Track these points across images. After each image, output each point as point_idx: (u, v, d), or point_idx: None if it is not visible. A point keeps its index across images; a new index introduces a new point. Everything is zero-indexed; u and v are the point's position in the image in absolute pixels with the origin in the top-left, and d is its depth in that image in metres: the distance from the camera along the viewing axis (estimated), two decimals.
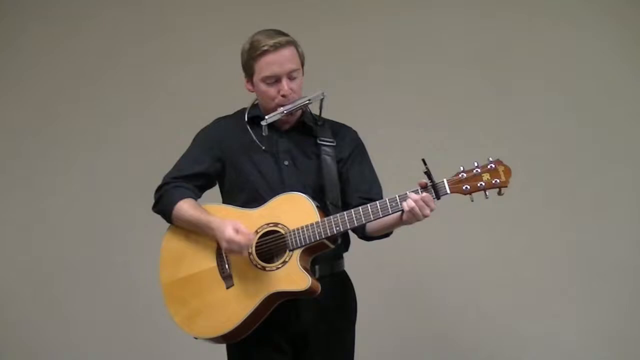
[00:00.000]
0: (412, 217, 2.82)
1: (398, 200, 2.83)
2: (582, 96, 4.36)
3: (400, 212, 2.84)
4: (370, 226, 2.98)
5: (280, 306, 2.91)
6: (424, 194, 2.79)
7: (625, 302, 4.26)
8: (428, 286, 4.37)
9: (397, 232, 3.01)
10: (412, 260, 4.32)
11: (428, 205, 2.80)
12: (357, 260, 3.15)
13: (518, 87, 4.40)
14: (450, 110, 4.42)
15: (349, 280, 3.11)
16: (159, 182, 3.10)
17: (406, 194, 2.82)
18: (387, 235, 3.04)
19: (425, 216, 2.82)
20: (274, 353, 2.98)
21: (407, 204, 2.80)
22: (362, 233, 3.03)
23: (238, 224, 2.88)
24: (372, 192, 3.05)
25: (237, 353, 3.01)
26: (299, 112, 3.05)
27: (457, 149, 4.25)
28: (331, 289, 2.99)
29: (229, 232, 2.87)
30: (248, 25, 3.14)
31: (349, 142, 3.10)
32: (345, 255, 3.11)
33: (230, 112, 3.16)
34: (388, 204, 2.84)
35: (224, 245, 2.89)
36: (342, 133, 3.12)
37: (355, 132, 3.16)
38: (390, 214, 2.85)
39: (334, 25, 4.48)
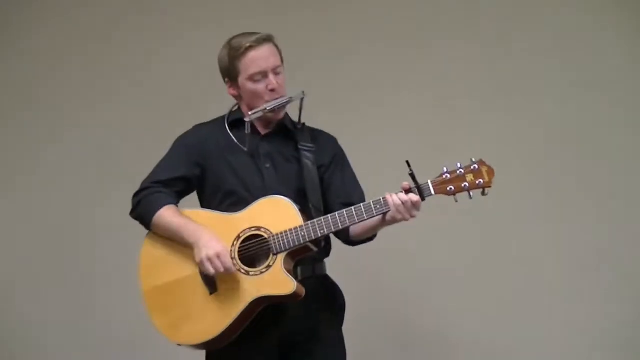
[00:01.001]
0: (397, 215, 2.82)
1: (382, 201, 2.83)
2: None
3: (383, 214, 2.85)
4: (354, 230, 2.99)
5: (265, 310, 2.89)
6: (415, 198, 2.80)
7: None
8: (424, 287, 4.35)
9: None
10: (413, 260, 4.31)
11: (415, 207, 2.82)
12: (343, 262, 3.15)
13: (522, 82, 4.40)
14: (450, 106, 4.40)
15: (333, 281, 3.10)
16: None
17: (392, 195, 2.83)
18: (371, 239, 3.04)
19: (412, 217, 2.84)
20: (257, 356, 2.94)
21: (394, 201, 2.80)
22: (346, 238, 3.03)
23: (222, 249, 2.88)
24: (354, 198, 3.04)
25: (221, 354, 2.97)
26: (283, 111, 3.04)
27: (459, 147, 4.24)
28: (315, 290, 2.97)
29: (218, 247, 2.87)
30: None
31: (330, 149, 3.11)
32: (329, 261, 3.09)
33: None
34: (372, 205, 2.84)
35: (207, 254, 2.86)
36: (322, 139, 3.12)
37: (334, 139, 3.16)
38: (374, 216, 2.85)
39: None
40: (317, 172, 3.03)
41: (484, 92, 4.37)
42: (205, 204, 3.07)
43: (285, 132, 3.07)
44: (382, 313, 4.33)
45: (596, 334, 4.21)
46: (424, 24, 4.41)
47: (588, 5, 4.33)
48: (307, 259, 2.96)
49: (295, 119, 3.09)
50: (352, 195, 3.05)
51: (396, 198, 2.81)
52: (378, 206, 2.84)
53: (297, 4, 4.45)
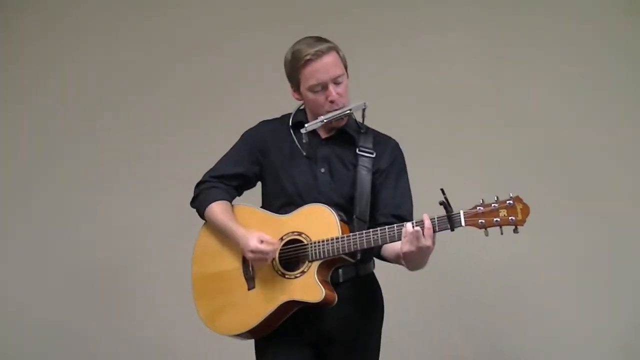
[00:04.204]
0: (404, 246, 2.80)
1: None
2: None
3: None
4: (385, 252, 3.02)
5: (305, 307, 2.97)
6: (426, 225, 2.78)
7: None
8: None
9: None
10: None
11: (425, 237, 2.77)
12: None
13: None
14: (449, 107, 4.43)
15: (376, 283, 3.15)
16: None
17: (423, 221, 2.82)
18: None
19: (419, 248, 2.79)
20: (294, 348, 3.05)
21: (404, 232, 2.79)
22: (377, 253, 3.06)
23: (262, 234, 2.97)
24: (400, 210, 3.05)
25: (260, 347, 3.12)
26: (343, 120, 3.07)
27: (458, 147, 4.32)
28: (356, 292, 3.04)
29: (253, 242, 2.96)
30: None
31: (389, 153, 3.11)
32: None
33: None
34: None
35: (249, 255, 2.98)
36: (384, 143, 3.13)
37: (397, 144, 3.16)
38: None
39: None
40: (370, 180, 3.05)
41: (484, 94, 4.35)
42: (264, 200, 3.18)
43: (346, 136, 3.11)
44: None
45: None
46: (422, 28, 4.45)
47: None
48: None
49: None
50: (400, 207, 3.06)
51: (409, 227, 2.79)
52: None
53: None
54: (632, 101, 4.27)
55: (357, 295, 3.05)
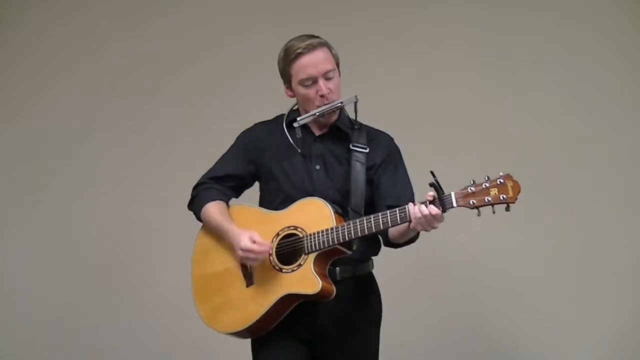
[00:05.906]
0: (418, 227, 2.82)
1: (407, 211, 2.83)
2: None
3: (408, 222, 2.85)
4: (392, 233, 3.01)
5: (302, 305, 2.99)
6: (434, 211, 2.78)
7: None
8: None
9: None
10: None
11: (436, 219, 2.80)
12: (383, 260, 3.18)
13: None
14: (449, 107, 4.45)
15: (374, 283, 3.15)
16: None
17: (415, 205, 2.82)
18: (412, 240, 3.03)
19: (433, 228, 2.83)
20: (290, 346, 3.04)
21: (414, 213, 2.80)
22: (386, 240, 3.07)
23: (254, 233, 2.99)
24: (401, 200, 3.01)
25: (256, 344, 3.12)
26: (334, 115, 3.11)
27: (458, 147, 4.34)
28: (353, 291, 3.04)
29: (244, 241, 2.98)
30: None
31: (383, 148, 3.13)
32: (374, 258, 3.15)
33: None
34: (397, 214, 2.85)
35: (239, 254, 3.00)
36: (377, 139, 3.15)
37: (391, 139, 3.18)
38: (399, 224, 2.87)
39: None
40: (365, 174, 3.07)
41: (483, 95, 4.37)
42: (262, 198, 3.20)
43: (340, 133, 3.13)
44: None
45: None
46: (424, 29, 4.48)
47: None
48: (349, 259, 3.01)
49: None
50: (400, 197, 3.04)
51: (417, 210, 2.80)
52: (402, 215, 2.84)
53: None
54: (632, 100, 4.28)
55: (353, 294, 3.05)
